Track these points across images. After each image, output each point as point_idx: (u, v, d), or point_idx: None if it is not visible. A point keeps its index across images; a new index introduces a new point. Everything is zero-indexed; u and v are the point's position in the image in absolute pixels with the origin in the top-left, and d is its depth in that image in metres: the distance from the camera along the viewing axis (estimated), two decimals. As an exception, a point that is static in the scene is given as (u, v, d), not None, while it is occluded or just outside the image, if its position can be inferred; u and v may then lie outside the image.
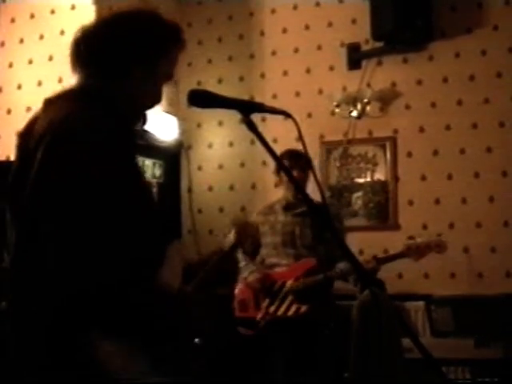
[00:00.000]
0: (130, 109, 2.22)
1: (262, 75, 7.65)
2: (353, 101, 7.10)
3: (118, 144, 2.00)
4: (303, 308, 4.96)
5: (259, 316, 5.06)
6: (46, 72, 6.69)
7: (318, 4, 7.47)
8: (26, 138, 2.12)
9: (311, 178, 4.88)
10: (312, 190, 3.25)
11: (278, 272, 5.13)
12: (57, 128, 1.99)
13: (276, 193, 5.32)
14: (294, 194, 5.17)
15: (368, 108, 7.06)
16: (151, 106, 2.30)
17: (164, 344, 2.01)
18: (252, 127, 2.21)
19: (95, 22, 2.29)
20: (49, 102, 2.22)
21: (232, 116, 2.22)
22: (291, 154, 5.00)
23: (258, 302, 5.11)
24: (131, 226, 1.96)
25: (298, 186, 4.54)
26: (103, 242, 1.87)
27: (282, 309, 5.02)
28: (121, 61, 2.18)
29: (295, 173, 4.97)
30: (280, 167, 4.86)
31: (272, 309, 5.04)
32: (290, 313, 4.99)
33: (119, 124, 2.09)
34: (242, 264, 5.26)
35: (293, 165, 4.95)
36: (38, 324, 1.96)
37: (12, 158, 6.88)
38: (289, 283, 5.05)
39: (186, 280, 2.41)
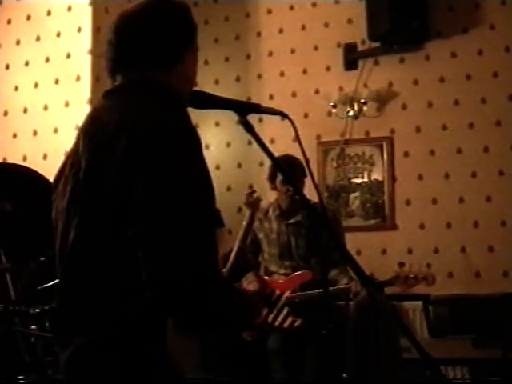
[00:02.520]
0: (184, 95, 2.20)
1: (259, 76, 7.66)
2: (349, 101, 7.11)
3: (197, 139, 2.00)
4: (298, 322, 4.96)
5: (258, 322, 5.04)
6: (43, 73, 6.70)
7: (314, 4, 7.48)
8: (91, 131, 2.08)
9: (308, 183, 4.86)
10: (308, 193, 3.25)
11: (276, 281, 5.12)
12: (134, 129, 1.95)
13: (273, 194, 5.30)
14: (288, 202, 5.12)
15: (365, 108, 7.07)
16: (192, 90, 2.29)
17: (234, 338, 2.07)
18: (249, 128, 2.20)
19: (130, 12, 2.21)
20: (110, 95, 2.17)
21: (229, 117, 2.22)
22: (287, 162, 4.92)
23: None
24: (212, 218, 1.98)
25: (296, 189, 4.52)
26: (201, 237, 1.90)
27: (279, 320, 5.02)
28: (173, 47, 2.15)
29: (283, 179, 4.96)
30: (277, 170, 4.85)
31: (270, 318, 5.04)
32: (286, 325, 4.99)
33: (185, 116, 2.10)
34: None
35: (290, 172, 4.89)
36: (116, 320, 1.95)
37: (9, 159, 6.85)
38: (285, 295, 5.04)
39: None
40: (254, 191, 5.13)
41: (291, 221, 5.11)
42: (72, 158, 2.11)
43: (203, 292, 1.87)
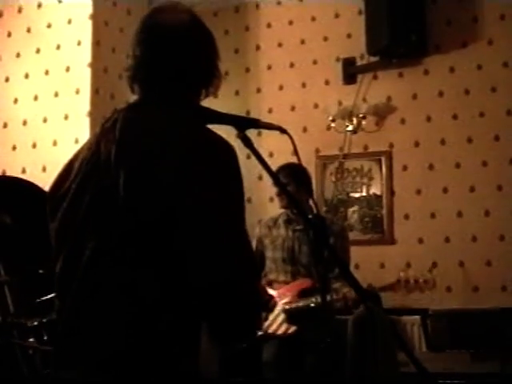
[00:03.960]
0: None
1: (258, 90, 7.68)
2: (348, 115, 7.12)
3: (236, 156, 2.07)
4: (291, 329, 4.97)
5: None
6: (43, 86, 6.71)
7: (313, 19, 7.50)
8: (130, 141, 2.02)
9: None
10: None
11: (275, 288, 5.13)
12: (179, 147, 1.96)
13: (272, 207, 5.32)
14: (291, 209, 5.16)
15: (363, 122, 7.08)
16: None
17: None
18: (247, 143, 2.21)
19: (166, 24, 2.16)
20: (135, 108, 2.13)
21: (228, 131, 2.23)
22: (287, 170, 4.96)
23: None
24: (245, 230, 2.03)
25: (294, 201, 4.53)
26: (248, 250, 2.00)
27: (274, 326, 5.02)
28: (208, 70, 2.21)
29: (290, 188, 4.97)
30: (276, 183, 4.87)
31: (265, 324, 5.04)
32: (280, 331, 5.00)
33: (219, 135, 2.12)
34: None
35: (289, 181, 4.92)
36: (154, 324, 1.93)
37: (8, 172, 6.86)
38: (282, 302, 5.04)
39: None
40: None
41: (298, 227, 5.13)
42: (89, 166, 2.06)
43: (249, 303, 1.94)
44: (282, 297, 5.05)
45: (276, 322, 5.01)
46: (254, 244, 5.25)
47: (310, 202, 4.97)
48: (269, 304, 5.08)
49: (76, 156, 2.16)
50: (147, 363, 1.89)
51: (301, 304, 4.95)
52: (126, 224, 1.93)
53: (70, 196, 2.07)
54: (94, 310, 1.95)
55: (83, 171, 2.06)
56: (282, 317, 5.01)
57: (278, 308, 5.03)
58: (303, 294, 4.99)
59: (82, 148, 2.16)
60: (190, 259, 1.88)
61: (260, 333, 4.98)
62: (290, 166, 4.98)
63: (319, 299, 4.71)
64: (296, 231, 5.15)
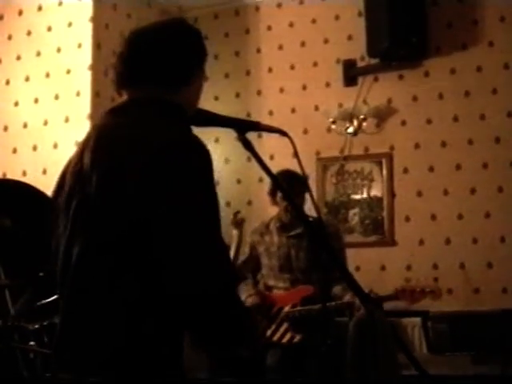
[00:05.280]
0: (189, 115, 2.23)
1: (259, 92, 7.68)
2: (349, 117, 7.12)
3: (210, 157, 2.02)
4: (297, 337, 4.95)
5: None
6: (43, 89, 6.72)
7: (314, 21, 7.50)
8: (103, 147, 2.06)
9: (307, 199, 4.87)
10: (308, 209, 3.26)
11: (277, 295, 5.11)
12: (150, 148, 1.95)
13: (273, 210, 5.30)
14: (289, 215, 5.13)
15: (364, 124, 7.08)
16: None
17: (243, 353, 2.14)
18: (248, 146, 2.21)
19: (146, 30, 2.21)
20: (115, 113, 2.15)
21: (228, 133, 2.23)
22: (288, 178, 4.91)
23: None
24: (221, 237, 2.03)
25: (295, 206, 4.51)
26: (221, 256, 1.97)
27: (278, 334, 5.00)
28: (183, 70, 2.17)
29: (282, 195, 4.96)
30: (276, 186, 4.86)
31: (268, 333, 5.02)
32: (285, 340, 4.97)
33: (195, 135, 2.09)
34: (241, 285, 5.21)
35: (289, 188, 4.86)
36: (134, 327, 1.95)
37: (8, 175, 6.86)
38: (285, 310, 5.02)
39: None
40: (238, 212, 5.14)
41: (292, 233, 5.11)
42: (75, 174, 2.10)
43: (224, 309, 1.93)
44: (283, 304, 5.03)
45: (280, 331, 5.00)
46: (247, 250, 5.24)
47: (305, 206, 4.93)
48: (270, 311, 5.07)
49: (69, 162, 2.19)
50: (134, 366, 1.93)
51: (304, 312, 4.94)
52: (103, 231, 1.97)
53: (62, 202, 2.12)
54: (82, 314, 2.01)
55: (71, 177, 2.11)
56: (285, 325, 5.00)
57: (281, 316, 5.02)
58: (305, 301, 4.97)
59: (74, 153, 2.19)
60: (164, 268, 1.90)
61: (263, 341, 4.97)
62: (290, 174, 4.92)
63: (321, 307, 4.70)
64: (291, 237, 5.13)
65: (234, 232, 4.95)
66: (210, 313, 1.91)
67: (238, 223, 5.02)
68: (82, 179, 2.05)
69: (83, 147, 2.12)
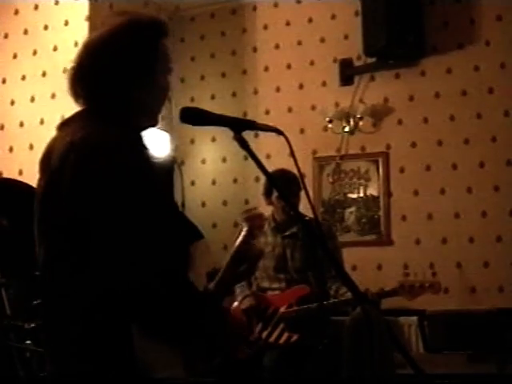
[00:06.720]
0: (143, 118, 2.28)
1: (255, 91, 7.68)
2: (345, 116, 7.12)
3: (145, 155, 2.09)
4: (294, 337, 4.94)
5: (252, 338, 5.02)
6: (39, 88, 6.71)
7: (310, 20, 7.50)
8: (47, 161, 2.19)
9: (303, 198, 4.86)
10: (303, 208, 3.25)
11: (272, 296, 5.09)
12: (82, 147, 2.05)
13: (269, 209, 5.30)
14: (283, 215, 5.12)
15: (360, 123, 7.08)
16: (162, 107, 2.34)
17: (202, 346, 2.20)
18: (244, 145, 2.21)
19: (89, 42, 2.33)
20: (63, 125, 2.28)
21: (225, 132, 2.23)
22: (283, 177, 4.90)
23: (251, 326, 5.07)
24: (167, 228, 2.07)
25: (291, 205, 4.50)
26: (155, 244, 2.00)
27: (274, 335, 5.00)
28: (124, 76, 2.21)
29: (277, 194, 4.95)
30: (271, 186, 4.85)
31: (264, 334, 5.01)
32: (281, 341, 4.96)
33: (135, 134, 2.17)
34: (236, 287, 5.19)
35: (285, 187, 4.84)
36: (80, 321, 2.04)
37: (5, 173, 6.86)
38: (281, 310, 5.01)
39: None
40: (254, 208, 5.12)
41: (286, 233, 5.10)
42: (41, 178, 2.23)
43: (167, 300, 1.99)
44: (279, 304, 5.02)
45: (276, 332, 4.99)
46: None
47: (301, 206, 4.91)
48: (266, 312, 5.06)
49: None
50: (86, 362, 2.03)
51: (300, 312, 4.93)
52: (53, 232, 2.10)
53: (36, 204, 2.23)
54: (48, 312, 2.18)
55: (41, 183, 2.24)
56: (281, 325, 4.99)
57: (277, 317, 5.01)
58: (301, 301, 4.96)
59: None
60: (103, 264, 1.97)
61: (260, 343, 4.96)
62: (286, 174, 4.91)
63: (318, 306, 4.70)
64: (286, 237, 5.12)
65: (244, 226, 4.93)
66: (152, 305, 1.97)
67: (251, 218, 4.98)
68: (38, 194, 2.19)
69: (39, 166, 2.28)
